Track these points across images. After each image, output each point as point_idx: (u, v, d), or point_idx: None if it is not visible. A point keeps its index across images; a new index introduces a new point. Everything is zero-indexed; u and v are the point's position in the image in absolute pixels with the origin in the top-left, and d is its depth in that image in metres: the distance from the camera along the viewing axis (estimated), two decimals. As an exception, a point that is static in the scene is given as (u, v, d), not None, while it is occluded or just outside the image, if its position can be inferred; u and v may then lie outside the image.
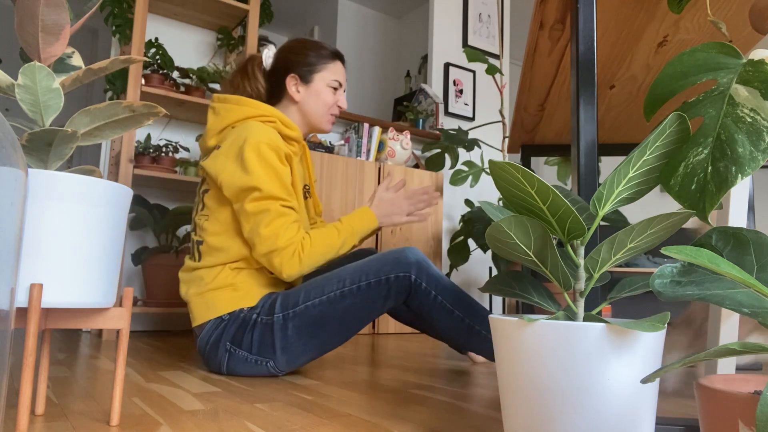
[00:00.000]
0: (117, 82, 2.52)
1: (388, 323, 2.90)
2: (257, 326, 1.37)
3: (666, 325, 0.58)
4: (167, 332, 2.59)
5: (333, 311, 1.37)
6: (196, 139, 2.73)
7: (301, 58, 1.57)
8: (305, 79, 1.56)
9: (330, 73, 1.59)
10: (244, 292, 1.41)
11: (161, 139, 2.76)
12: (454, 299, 1.45)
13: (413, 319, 1.66)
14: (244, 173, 1.35)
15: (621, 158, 4.64)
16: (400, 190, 1.58)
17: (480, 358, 1.78)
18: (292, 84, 1.57)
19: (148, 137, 2.54)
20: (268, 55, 1.61)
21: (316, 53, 1.57)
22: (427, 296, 1.41)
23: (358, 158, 2.97)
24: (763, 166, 4.86)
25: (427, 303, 1.42)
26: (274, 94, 1.60)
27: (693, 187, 0.58)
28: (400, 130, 3.22)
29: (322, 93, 1.57)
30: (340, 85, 1.60)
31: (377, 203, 1.54)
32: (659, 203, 4.92)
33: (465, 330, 1.47)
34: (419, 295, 1.40)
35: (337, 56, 1.61)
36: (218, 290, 1.40)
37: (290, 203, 1.39)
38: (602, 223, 4.11)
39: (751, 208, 1.48)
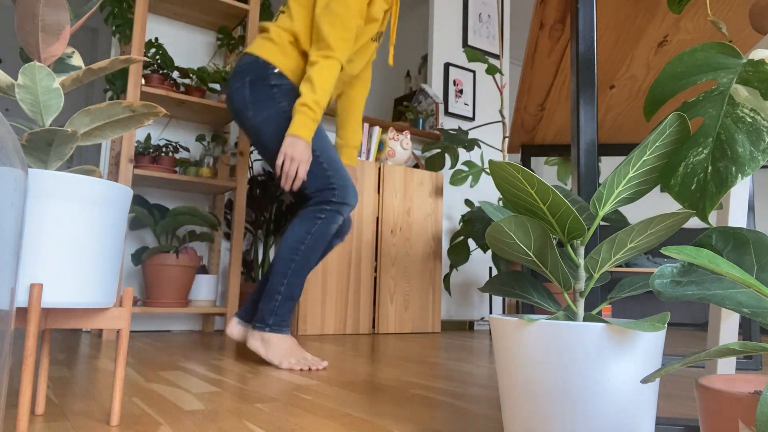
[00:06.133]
0: (117, 82, 2.52)
1: (388, 323, 2.90)
2: (278, 94, 1.73)
3: (666, 325, 0.58)
4: (167, 332, 2.59)
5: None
6: (197, 139, 2.73)
7: None
8: None
9: None
10: (285, 61, 1.75)
11: (161, 139, 2.76)
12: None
13: None
14: None
15: (621, 158, 4.63)
16: None
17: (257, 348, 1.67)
18: None
19: (148, 137, 2.54)
20: None
21: None
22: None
23: (358, 158, 2.97)
24: (763, 166, 4.86)
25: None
26: None
27: (693, 187, 0.58)
28: (400, 130, 3.22)
29: None
30: None
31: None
32: (659, 203, 4.92)
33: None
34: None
35: None
36: (274, 43, 1.75)
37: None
38: (602, 223, 4.11)
39: (751, 208, 1.48)
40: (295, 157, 1.61)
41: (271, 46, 1.76)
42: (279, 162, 1.63)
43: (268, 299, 1.65)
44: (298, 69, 1.77)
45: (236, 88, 1.75)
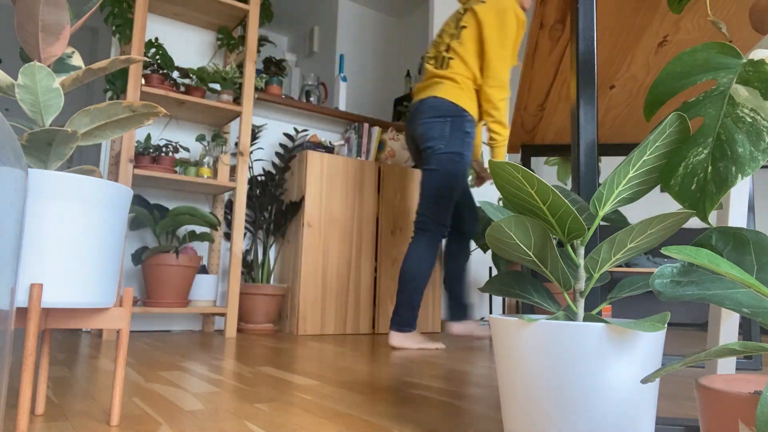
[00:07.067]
0: (117, 82, 2.52)
1: (387, 323, 2.90)
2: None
3: (666, 325, 0.58)
4: (167, 332, 2.58)
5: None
6: (197, 139, 2.73)
7: None
8: None
9: None
10: (472, 105, 2.25)
11: (161, 139, 2.76)
12: None
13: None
14: (502, 30, 2.21)
15: (621, 158, 4.63)
16: None
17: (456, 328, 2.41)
18: None
19: (148, 137, 2.54)
20: None
21: None
22: None
23: (358, 158, 2.97)
24: (763, 166, 4.86)
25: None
26: None
27: (693, 187, 0.58)
28: (400, 130, 3.22)
29: None
30: None
31: None
32: (659, 203, 4.92)
33: None
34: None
35: None
36: (463, 90, 2.23)
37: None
38: (602, 223, 4.11)
39: (751, 208, 1.48)
40: None
41: (461, 93, 2.23)
42: (490, 178, 2.41)
43: (409, 308, 2.17)
44: (477, 107, 2.31)
45: (437, 121, 2.21)
